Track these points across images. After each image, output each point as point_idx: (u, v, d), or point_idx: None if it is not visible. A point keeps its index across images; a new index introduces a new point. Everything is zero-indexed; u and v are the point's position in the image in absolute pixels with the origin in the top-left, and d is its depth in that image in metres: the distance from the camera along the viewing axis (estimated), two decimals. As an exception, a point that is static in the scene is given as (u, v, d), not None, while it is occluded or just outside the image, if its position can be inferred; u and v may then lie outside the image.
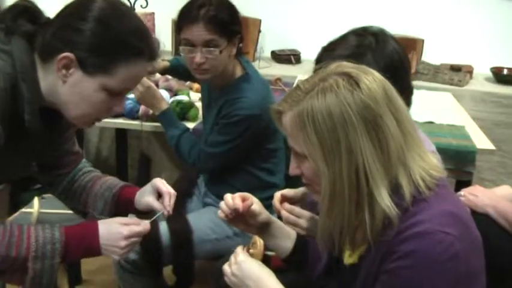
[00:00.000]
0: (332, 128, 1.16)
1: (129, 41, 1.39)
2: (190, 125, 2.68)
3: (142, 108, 2.66)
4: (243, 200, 1.50)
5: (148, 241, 2.22)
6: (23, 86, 1.36)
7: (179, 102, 2.73)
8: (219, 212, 1.51)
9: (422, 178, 1.21)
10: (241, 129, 2.22)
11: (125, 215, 1.61)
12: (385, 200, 1.17)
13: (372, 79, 1.20)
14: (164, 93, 2.78)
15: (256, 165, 2.37)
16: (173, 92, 2.94)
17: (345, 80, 1.19)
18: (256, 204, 1.52)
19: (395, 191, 1.19)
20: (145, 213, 1.70)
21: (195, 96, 3.03)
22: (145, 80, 2.46)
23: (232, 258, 1.42)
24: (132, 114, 2.69)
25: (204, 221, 2.34)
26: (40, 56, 1.40)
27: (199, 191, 2.58)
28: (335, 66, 1.25)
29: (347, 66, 1.24)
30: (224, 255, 2.11)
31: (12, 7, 1.42)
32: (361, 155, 1.16)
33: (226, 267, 1.41)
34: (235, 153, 2.29)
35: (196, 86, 3.19)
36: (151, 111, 2.65)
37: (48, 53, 1.38)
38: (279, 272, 1.39)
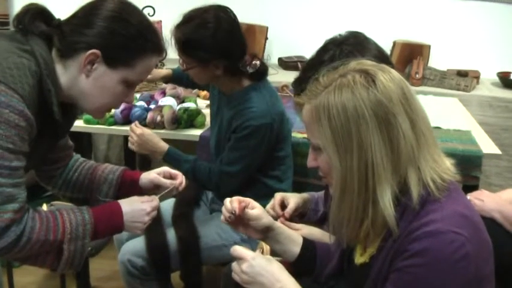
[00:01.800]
0: (345, 123, 1.19)
1: (146, 35, 1.53)
2: (197, 132, 2.69)
3: (149, 115, 2.68)
4: (240, 203, 1.53)
5: (156, 247, 2.23)
6: (48, 82, 1.45)
7: (186, 109, 2.75)
8: (222, 216, 1.55)
9: (432, 180, 1.22)
10: (255, 141, 2.20)
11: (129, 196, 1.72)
12: (384, 199, 1.20)
13: (389, 78, 1.22)
14: (171, 101, 2.80)
15: (265, 173, 2.37)
16: (180, 99, 2.96)
17: (362, 76, 1.22)
18: (257, 209, 1.55)
19: (403, 190, 1.21)
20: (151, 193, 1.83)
21: (202, 103, 3.04)
22: (135, 128, 2.42)
23: (242, 255, 1.39)
24: (139, 122, 2.70)
25: (211, 227, 2.35)
26: (60, 53, 1.49)
27: (207, 198, 2.59)
28: (356, 63, 1.28)
29: (367, 63, 1.27)
30: (231, 261, 2.12)
31: (28, 10, 1.50)
32: (370, 151, 1.18)
33: (235, 266, 1.39)
34: (253, 166, 2.28)
35: (203, 93, 3.21)
36: (159, 118, 2.67)
37: (71, 51, 1.48)
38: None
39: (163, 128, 2.71)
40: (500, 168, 3.64)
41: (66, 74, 1.50)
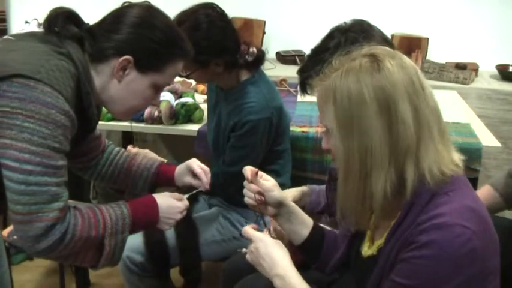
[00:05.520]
0: (349, 106, 1.21)
1: (175, 41, 1.58)
2: (195, 127, 2.68)
3: (147, 110, 2.67)
4: (251, 171, 1.58)
5: (154, 243, 2.23)
6: (86, 85, 1.49)
7: (184, 104, 2.73)
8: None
9: (430, 172, 1.21)
10: (255, 137, 2.18)
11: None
12: (377, 185, 1.21)
13: (398, 64, 1.22)
14: (169, 96, 2.78)
15: (264, 167, 2.33)
16: (178, 95, 2.94)
17: (368, 61, 1.23)
18: (270, 181, 1.59)
19: (401, 179, 1.22)
20: (185, 189, 1.92)
21: (200, 98, 3.03)
22: (131, 149, 2.38)
23: (250, 237, 1.47)
24: (137, 117, 2.69)
25: (210, 222, 2.34)
26: (91, 58, 1.53)
27: (205, 193, 2.58)
28: (369, 48, 1.29)
29: (379, 49, 1.28)
30: (231, 256, 2.12)
31: (59, 13, 1.52)
32: (370, 135, 1.19)
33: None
34: (256, 162, 2.23)
35: (201, 88, 3.20)
36: (156, 113, 2.65)
37: (102, 56, 1.53)
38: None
39: (161, 123, 2.70)
40: (499, 161, 3.63)
41: (98, 78, 1.55)
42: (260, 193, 1.56)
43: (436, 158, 1.22)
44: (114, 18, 1.55)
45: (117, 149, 1.95)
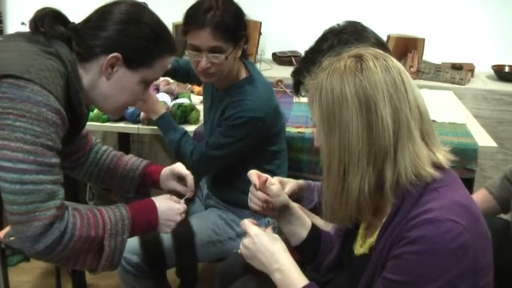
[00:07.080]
0: (331, 104, 1.23)
1: (162, 37, 1.59)
2: (192, 128, 2.68)
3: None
4: (259, 177, 1.59)
5: (150, 244, 2.22)
6: (75, 83, 1.50)
7: (180, 105, 2.73)
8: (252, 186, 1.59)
9: (405, 174, 1.22)
10: (243, 132, 2.20)
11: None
12: (353, 183, 1.23)
13: (382, 65, 1.24)
14: (165, 97, 2.78)
15: (259, 167, 2.33)
16: (174, 95, 2.94)
17: (353, 62, 1.25)
18: (276, 186, 1.61)
19: (381, 179, 1.23)
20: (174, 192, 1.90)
21: (196, 99, 3.03)
22: None
23: (247, 231, 1.48)
24: (133, 118, 2.69)
25: (206, 223, 2.34)
26: (80, 57, 1.53)
27: (202, 193, 2.58)
28: (358, 49, 1.31)
29: (366, 49, 1.31)
30: (227, 257, 2.11)
31: (45, 13, 1.52)
32: (349, 132, 1.22)
33: (244, 240, 1.48)
34: (236, 156, 2.27)
35: (197, 89, 3.20)
36: (152, 115, 2.65)
37: (90, 54, 1.52)
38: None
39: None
40: (495, 161, 3.64)
41: (86, 76, 1.55)
42: (267, 201, 1.57)
43: (414, 160, 1.23)
44: (101, 15, 1.55)
45: (104, 148, 1.93)
